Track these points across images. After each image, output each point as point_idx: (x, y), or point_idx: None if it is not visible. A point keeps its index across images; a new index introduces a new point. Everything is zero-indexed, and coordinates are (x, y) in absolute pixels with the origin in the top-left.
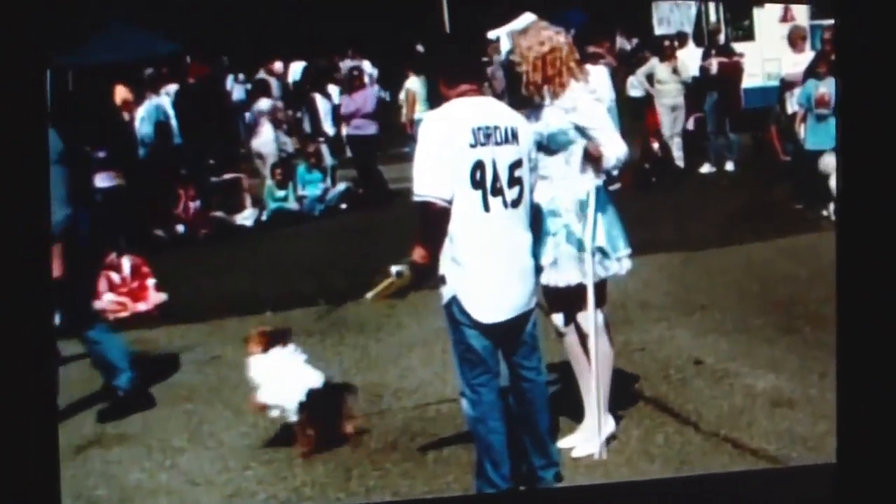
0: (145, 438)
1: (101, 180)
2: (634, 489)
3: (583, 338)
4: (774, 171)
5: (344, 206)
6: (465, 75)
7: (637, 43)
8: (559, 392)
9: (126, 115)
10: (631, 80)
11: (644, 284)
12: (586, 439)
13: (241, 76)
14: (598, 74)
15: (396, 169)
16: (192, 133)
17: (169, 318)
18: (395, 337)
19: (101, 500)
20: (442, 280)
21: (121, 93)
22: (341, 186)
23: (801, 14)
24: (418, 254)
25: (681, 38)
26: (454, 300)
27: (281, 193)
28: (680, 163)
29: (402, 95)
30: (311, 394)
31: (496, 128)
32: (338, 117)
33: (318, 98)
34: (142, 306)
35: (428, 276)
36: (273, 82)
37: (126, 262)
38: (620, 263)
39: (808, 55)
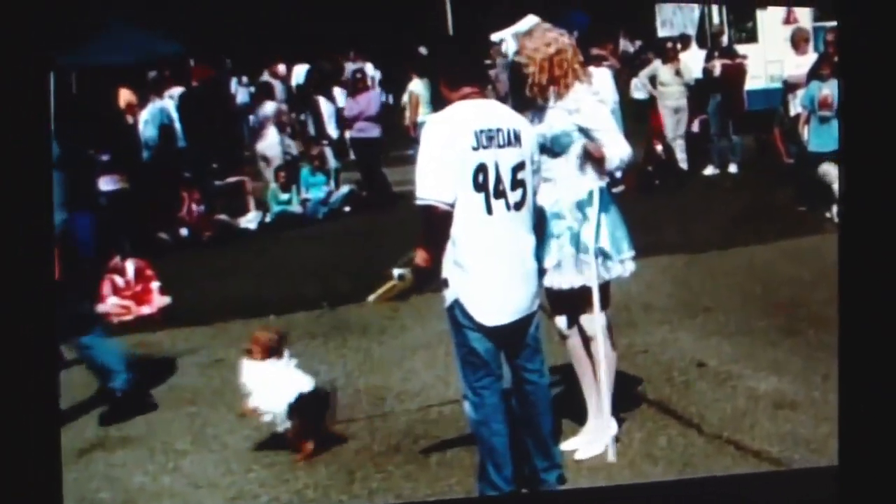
0: (148, 441)
1: (105, 183)
2: (637, 491)
3: (586, 340)
4: (777, 174)
5: (347, 208)
6: (468, 77)
7: (640, 45)
8: (562, 394)
9: (130, 119)
10: (634, 82)
11: (647, 287)
12: (589, 442)
13: (244, 79)
14: (602, 76)
15: (400, 171)
16: (196, 136)
17: (172, 321)
18: (398, 340)
19: (104, 503)
20: (445, 283)
21: (124, 96)
22: (345, 189)
23: (804, 16)
24: (421, 257)
25: (684, 40)
26: (457, 303)
27: (284, 196)
28: (683, 165)
29: (405, 98)
30: (301, 398)
31: (499, 130)
32: (341, 120)
33: (322, 101)
34: (146, 309)
35: (430, 280)
36: (277, 85)
37: (130, 266)
38: (624, 266)
39: (811, 57)
